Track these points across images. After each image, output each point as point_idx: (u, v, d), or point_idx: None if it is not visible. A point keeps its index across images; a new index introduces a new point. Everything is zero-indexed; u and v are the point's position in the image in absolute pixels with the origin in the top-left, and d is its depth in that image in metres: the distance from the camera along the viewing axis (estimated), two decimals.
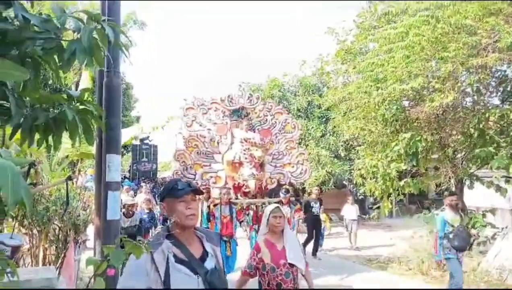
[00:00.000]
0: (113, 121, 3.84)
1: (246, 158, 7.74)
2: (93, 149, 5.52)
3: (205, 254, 2.19)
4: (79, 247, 5.98)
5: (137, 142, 19.84)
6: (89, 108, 2.02)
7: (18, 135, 2.08)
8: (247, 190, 7.95)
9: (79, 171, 7.90)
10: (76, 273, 5.80)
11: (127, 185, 14.74)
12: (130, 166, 21.13)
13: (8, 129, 2.01)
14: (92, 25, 1.91)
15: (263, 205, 7.71)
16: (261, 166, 8.11)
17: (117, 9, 4.01)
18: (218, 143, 8.20)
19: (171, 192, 2.20)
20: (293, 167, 8.58)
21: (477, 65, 7.54)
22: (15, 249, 3.12)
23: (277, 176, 8.44)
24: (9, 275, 1.43)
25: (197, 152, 8.01)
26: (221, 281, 2.16)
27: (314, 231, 10.80)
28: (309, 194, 13.22)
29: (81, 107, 2.01)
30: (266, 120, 8.84)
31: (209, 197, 8.13)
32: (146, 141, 22.01)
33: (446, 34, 7.63)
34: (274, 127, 8.79)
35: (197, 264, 2.10)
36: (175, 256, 2.08)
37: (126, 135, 9.49)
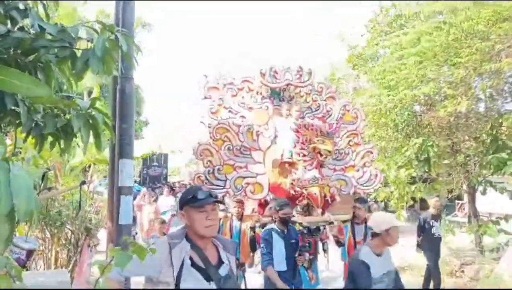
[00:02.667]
0: (126, 127, 3.89)
1: (305, 155, 5.39)
2: (106, 154, 5.60)
3: (219, 262, 2.18)
4: (90, 251, 6.04)
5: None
6: (98, 116, 2.05)
7: (32, 140, 2.13)
8: (304, 202, 5.49)
9: (91, 176, 7.92)
10: (88, 277, 5.85)
11: (136, 190, 14.55)
12: (140, 171, 21.26)
13: (21, 134, 2.05)
14: (106, 35, 1.96)
15: (330, 226, 5.60)
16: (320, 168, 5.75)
17: (131, 10, 4.03)
18: (257, 135, 5.70)
19: (191, 201, 2.14)
20: (358, 170, 6.21)
21: (490, 71, 7.48)
22: (30, 252, 3.18)
23: (337, 183, 5.93)
24: (15, 279, 1.45)
25: (228, 148, 5.49)
26: (235, 289, 2.15)
27: (436, 260, 7.74)
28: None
29: (92, 113, 2.05)
30: (319, 105, 6.33)
31: (241, 214, 5.90)
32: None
33: (458, 39, 7.59)
34: (330, 115, 6.36)
35: (212, 270, 2.10)
36: (191, 259, 2.08)
37: (143, 149, 9.37)
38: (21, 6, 1.92)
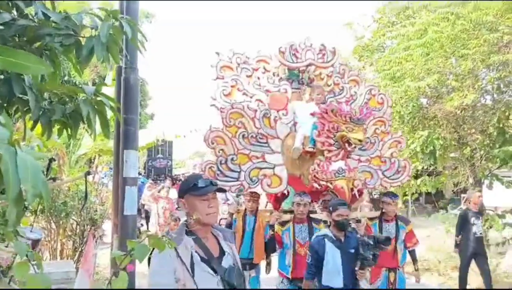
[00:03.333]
0: (130, 117, 3.88)
1: (330, 145, 4.71)
2: (111, 145, 5.60)
3: (221, 253, 2.19)
4: (96, 242, 6.08)
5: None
6: (105, 101, 2.04)
7: (39, 128, 2.13)
8: (327, 197, 5.00)
9: (96, 167, 7.94)
10: (94, 268, 5.90)
11: (141, 182, 14.45)
12: (145, 163, 21.32)
13: (29, 122, 2.05)
14: (110, 22, 1.94)
15: (357, 225, 4.87)
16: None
17: (136, 8, 4.05)
18: (275, 121, 5.08)
19: (192, 189, 2.15)
20: (384, 162, 5.53)
21: (498, 62, 7.41)
22: (35, 242, 3.19)
23: (362, 175, 5.29)
24: (34, 267, 1.47)
25: (243, 135, 4.90)
26: (239, 280, 2.14)
27: (474, 262, 6.98)
28: None
29: (98, 99, 2.04)
30: (342, 89, 5.66)
31: (256, 208, 5.27)
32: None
33: (466, 30, 7.51)
34: (354, 100, 5.70)
35: (215, 263, 2.10)
36: (197, 253, 2.09)
37: (147, 138, 9.39)
38: None
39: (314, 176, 4.79)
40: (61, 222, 5.68)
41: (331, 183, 4.68)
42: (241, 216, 5.28)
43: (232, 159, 4.77)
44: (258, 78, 5.43)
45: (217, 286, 2.06)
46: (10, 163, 1.01)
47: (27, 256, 1.43)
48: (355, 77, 5.95)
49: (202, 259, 2.08)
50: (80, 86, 2.17)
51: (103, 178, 10.62)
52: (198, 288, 2.00)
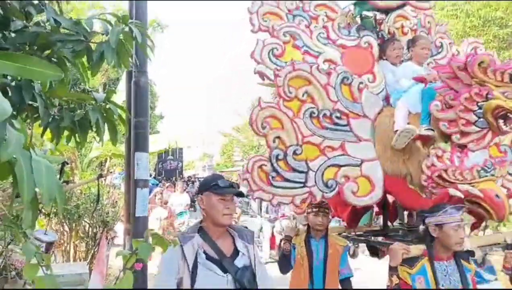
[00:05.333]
0: (141, 120, 3.93)
1: (468, 123, 2.73)
2: (122, 148, 5.67)
3: (235, 252, 2.19)
4: (108, 243, 6.15)
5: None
6: (113, 109, 2.07)
7: (48, 133, 2.17)
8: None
9: (108, 169, 8.00)
10: (106, 269, 5.98)
11: (152, 184, 13.41)
12: (155, 165, 21.39)
13: (38, 129, 2.09)
14: (120, 27, 1.97)
15: (508, 252, 3.10)
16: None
17: (144, 11, 4.10)
18: (359, 90, 3.22)
19: (212, 187, 2.20)
20: (504, 152, 3.37)
21: (508, 58, 7.34)
22: (49, 245, 3.25)
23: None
24: (43, 268, 1.49)
25: (311, 114, 3.09)
26: (253, 280, 2.14)
27: None
28: None
29: (108, 106, 2.07)
30: (440, 45, 3.97)
31: (326, 227, 3.48)
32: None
33: (475, 27, 7.47)
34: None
35: (227, 262, 2.11)
36: (205, 253, 2.11)
37: (159, 145, 9.34)
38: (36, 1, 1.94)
39: (438, 176, 2.86)
40: (73, 224, 5.76)
41: (475, 186, 2.84)
42: (303, 241, 3.48)
43: (294, 152, 3.02)
44: (325, 27, 3.55)
45: (226, 286, 2.07)
46: (25, 166, 1.04)
47: (35, 257, 1.46)
48: (443, 34, 4.21)
49: (210, 258, 2.10)
50: (89, 91, 2.21)
51: (116, 179, 10.63)
52: (198, 286, 2.04)
